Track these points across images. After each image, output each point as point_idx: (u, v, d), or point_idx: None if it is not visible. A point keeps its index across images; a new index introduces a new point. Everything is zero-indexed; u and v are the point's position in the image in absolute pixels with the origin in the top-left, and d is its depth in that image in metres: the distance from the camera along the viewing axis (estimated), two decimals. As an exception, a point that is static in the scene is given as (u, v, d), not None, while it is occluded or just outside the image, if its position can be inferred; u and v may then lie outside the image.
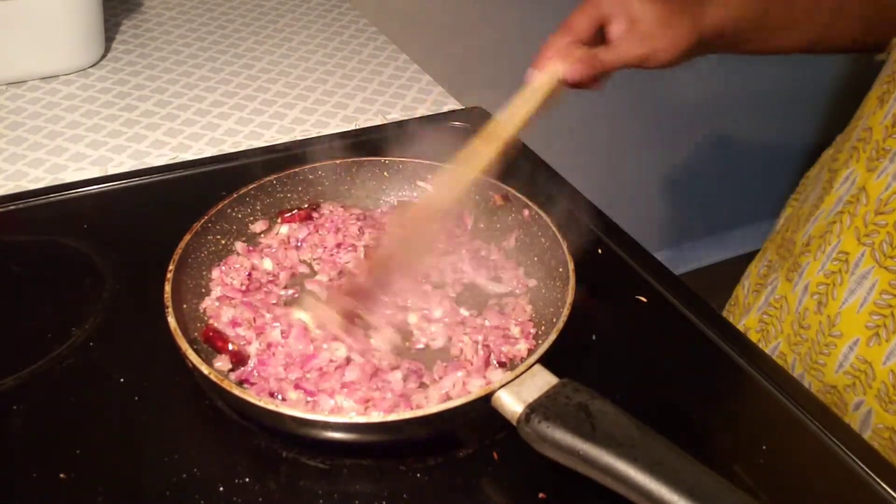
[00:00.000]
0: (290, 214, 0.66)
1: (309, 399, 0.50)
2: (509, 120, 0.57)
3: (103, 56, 0.98)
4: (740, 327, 0.77)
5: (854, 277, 0.62)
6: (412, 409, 0.49)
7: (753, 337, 0.74)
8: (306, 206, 0.67)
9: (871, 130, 0.63)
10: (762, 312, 0.73)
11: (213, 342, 0.54)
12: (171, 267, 0.55)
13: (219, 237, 0.62)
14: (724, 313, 0.83)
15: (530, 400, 0.45)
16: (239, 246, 0.63)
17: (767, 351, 0.72)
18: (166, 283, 0.53)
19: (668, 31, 0.58)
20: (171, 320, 0.51)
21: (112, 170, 0.77)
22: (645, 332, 0.61)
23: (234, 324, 0.55)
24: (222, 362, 0.53)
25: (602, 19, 0.59)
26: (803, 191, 0.80)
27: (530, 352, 0.55)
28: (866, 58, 0.71)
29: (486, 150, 0.57)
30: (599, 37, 0.60)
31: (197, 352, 0.49)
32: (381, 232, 0.65)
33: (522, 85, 0.58)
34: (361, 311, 0.55)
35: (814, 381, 0.67)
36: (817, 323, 0.65)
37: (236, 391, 0.46)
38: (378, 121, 0.88)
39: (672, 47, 0.59)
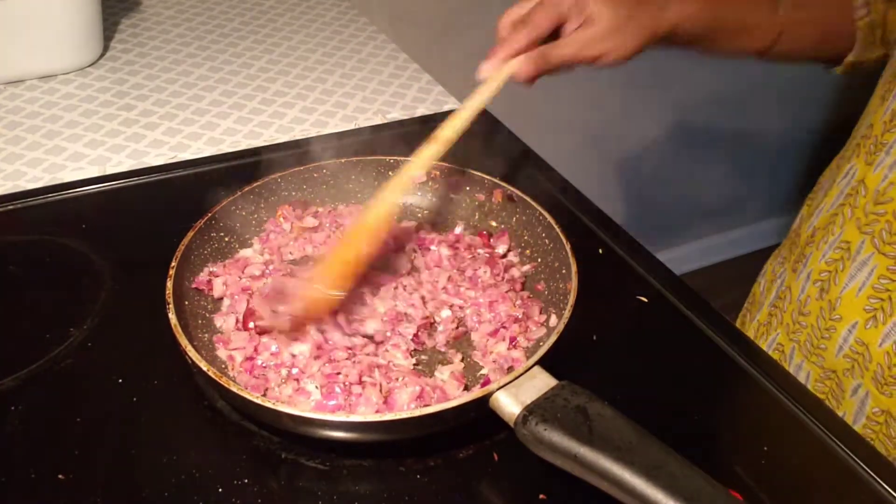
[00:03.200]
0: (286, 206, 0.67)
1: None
2: (461, 116, 0.57)
3: (102, 55, 0.98)
4: (754, 324, 0.77)
5: (855, 264, 0.63)
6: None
7: (763, 331, 0.75)
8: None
9: (872, 127, 0.64)
10: (771, 305, 0.75)
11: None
12: (173, 264, 0.55)
13: (222, 234, 0.62)
14: (743, 311, 0.84)
15: (528, 402, 0.45)
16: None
17: (766, 342, 0.73)
18: (168, 279, 0.53)
19: (620, 34, 0.59)
20: (172, 317, 0.50)
21: (110, 169, 0.77)
22: (645, 332, 0.61)
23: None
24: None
25: (561, 18, 0.59)
26: (817, 191, 0.81)
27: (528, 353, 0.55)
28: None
29: (433, 148, 0.57)
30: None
31: (197, 349, 0.49)
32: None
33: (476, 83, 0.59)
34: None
35: (813, 369, 0.68)
36: (818, 309, 0.66)
37: (235, 388, 0.46)
38: (378, 120, 0.88)
39: (623, 50, 0.60)
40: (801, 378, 0.68)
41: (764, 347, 0.73)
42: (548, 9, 0.58)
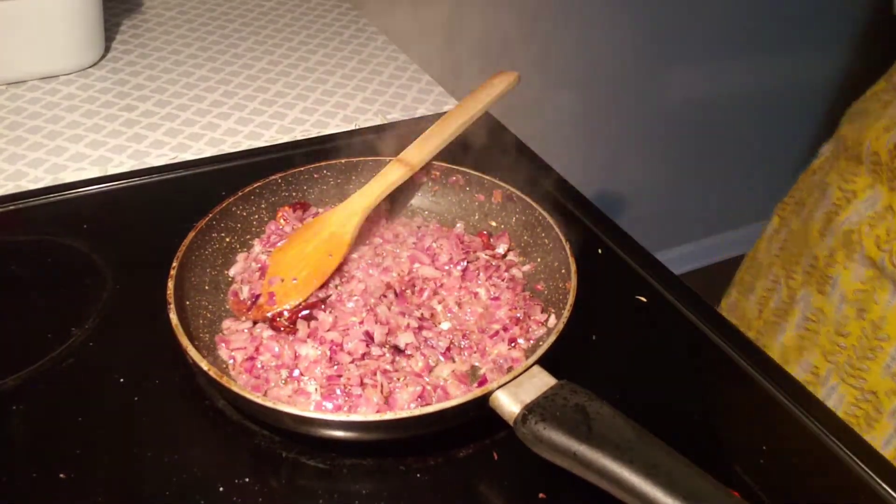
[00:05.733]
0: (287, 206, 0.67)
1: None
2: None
3: (103, 56, 0.98)
4: (776, 346, 0.76)
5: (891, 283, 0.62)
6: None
7: (793, 356, 0.73)
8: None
9: (878, 154, 0.64)
10: (802, 328, 0.73)
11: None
12: (174, 264, 0.55)
13: (223, 235, 0.62)
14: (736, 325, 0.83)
15: (528, 401, 0.45)
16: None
17: (800, 366, 0.71)
18: (169, 279, 0.54)
19: None
20: (173, 317, 0.51)
21: (112, 170, 0.77)
22: (644, 331, 0.61)
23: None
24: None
25: None
26: (791, 202, 0.80)
27: (528, 353, 0.55)
28: (863, 58, 0.72)
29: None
30: None
31: (197, 348, 0.49)
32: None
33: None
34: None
35: (850, 391, 0.66)
36: (859, 329, 0.65)
37: (235, 388, 0.46)
38: (378, 121, 0.88)
39: None
40: (833, 401, 0.66)
41: (794, 371, 0.72)
42: None
